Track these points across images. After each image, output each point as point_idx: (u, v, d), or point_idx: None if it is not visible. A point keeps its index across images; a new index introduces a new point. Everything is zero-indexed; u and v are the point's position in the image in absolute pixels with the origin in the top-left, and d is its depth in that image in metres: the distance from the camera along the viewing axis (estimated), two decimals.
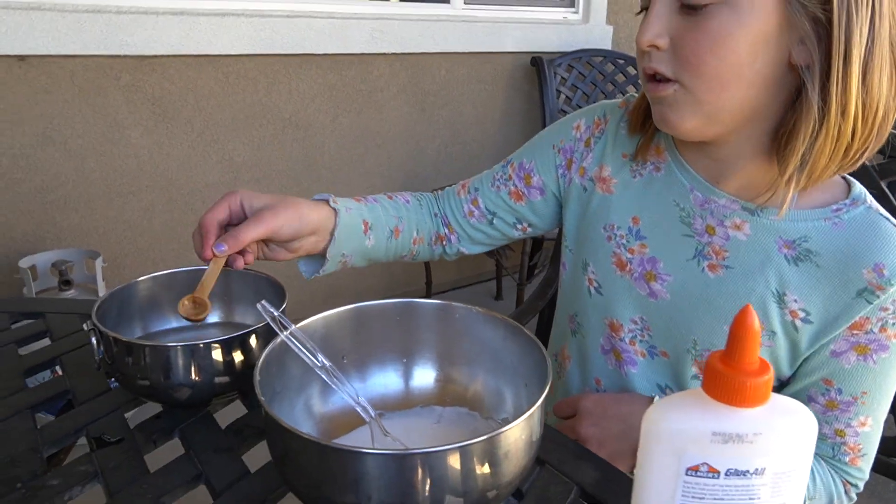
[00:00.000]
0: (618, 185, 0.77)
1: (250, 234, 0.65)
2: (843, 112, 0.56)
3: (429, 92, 2.44)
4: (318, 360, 0.56)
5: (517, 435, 0.47)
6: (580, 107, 1.89)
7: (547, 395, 0.49)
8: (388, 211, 0.81)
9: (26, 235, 1.87)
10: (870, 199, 0.66)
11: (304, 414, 0.58)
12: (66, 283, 1.74)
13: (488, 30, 2.49)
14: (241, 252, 0.67)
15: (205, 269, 0.66)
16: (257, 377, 0.50)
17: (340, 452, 0.44)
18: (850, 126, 0.57)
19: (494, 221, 0.86)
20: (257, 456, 0.60)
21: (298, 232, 0.69)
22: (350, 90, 2.29)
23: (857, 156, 0.60)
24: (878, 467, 0.89)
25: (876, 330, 0.64)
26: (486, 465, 0.46)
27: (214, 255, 0.65)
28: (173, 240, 2.09)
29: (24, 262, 1.75)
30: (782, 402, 0.36)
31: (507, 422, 0.60)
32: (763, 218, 0.66)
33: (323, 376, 0.55)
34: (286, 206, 0.68)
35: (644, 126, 0.74)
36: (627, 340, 0.77)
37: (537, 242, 2.44)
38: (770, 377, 0.35)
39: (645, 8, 0.65)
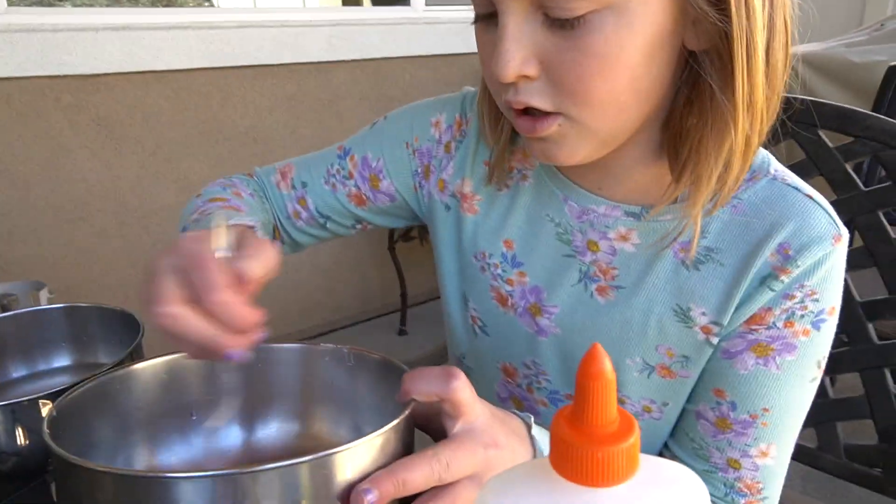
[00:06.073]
0: (482, 202, 0.62)
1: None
2: (751, 89, 0.45)
3: (393, 97, 2.35)
4: None
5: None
6: None
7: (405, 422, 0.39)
8: (258, 216, 0.64)
9: None
10: (774, 166, 0.53)
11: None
12: None
13: (453, 30, 2.40)
14: None
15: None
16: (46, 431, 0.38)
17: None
18: (759, 106, 0.46)
19: (328, 225, 0.70)
20: None
21: None
22: (310, 100, 2.20)
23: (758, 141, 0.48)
24: (858, 480, 0.79)
25: (780, 324, 0.51)
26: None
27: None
28: (129, 265, 2.00)
29: None
30: (657, 471, 0.27)
31: None
32: (651, 220, 0.53)
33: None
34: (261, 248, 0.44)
35: (497, 132, 0.59)
36: (525, 387, 0.64)
37: None
38: (634, 441, 0.25)
39: (485, 17, 0.47)
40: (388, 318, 2.52)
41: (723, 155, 0.46)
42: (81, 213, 1.91)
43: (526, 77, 0.46)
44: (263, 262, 0.41)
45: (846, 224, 0.52)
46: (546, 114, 0.47)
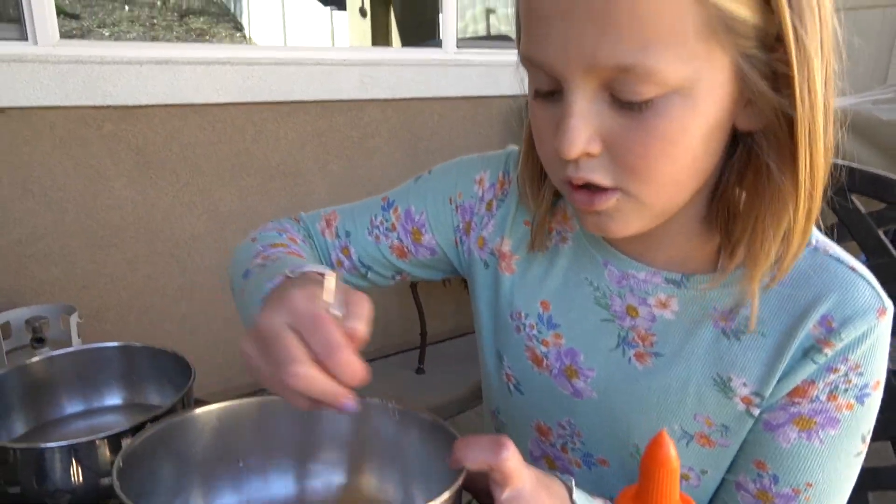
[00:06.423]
0: (520, 262, 0.63)
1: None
2: (813, 169, 0.45)
3: (421, 137, 2.39)
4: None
5: None
6: None
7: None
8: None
9: (3, 291, 1.82)
10: (816, 237, 0.54)
11: None
12: (38, 340, 1.68)
13: (482, 73, 2.45)
14: None
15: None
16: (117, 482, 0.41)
17: None
18: (818, 184, 0.46)
19: (369, 275, 0.71)
20: None
21: None
22: (340, 137, 2.25)
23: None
24: None
25: (823, 398, 0.51)
26: None
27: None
28: (156, 292, 2.03)
29: None
30: None
31: None
32: (691, 289, 0.54)
33: None
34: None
35: (539, 201, 0.60)
36: (559, 447, 0.64)
37: None
38: None
39: (546, 94, 0.47)
40: (407, 355, 2.53)
41: (781, 232, 0.47)
42: (113, 239, 1.95)
43: (588, 154, 0.46)
44: (368, 319, 0.43)
45: None
46: (605, 189, 0.47)
